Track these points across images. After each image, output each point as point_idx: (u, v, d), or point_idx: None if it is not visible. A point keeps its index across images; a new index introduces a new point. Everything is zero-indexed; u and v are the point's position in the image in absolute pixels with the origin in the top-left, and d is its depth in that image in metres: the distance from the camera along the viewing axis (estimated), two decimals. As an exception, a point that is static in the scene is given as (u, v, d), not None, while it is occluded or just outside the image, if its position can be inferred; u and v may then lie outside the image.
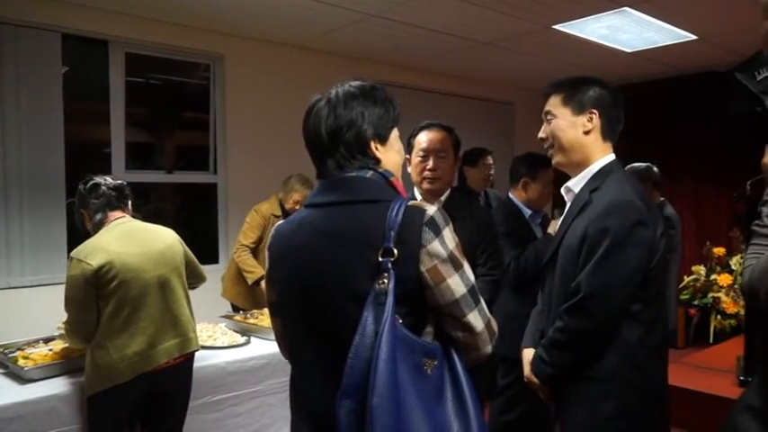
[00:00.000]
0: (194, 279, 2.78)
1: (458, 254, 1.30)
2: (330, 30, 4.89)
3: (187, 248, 2.72)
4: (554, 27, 4.82)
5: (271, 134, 5.23)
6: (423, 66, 6.12)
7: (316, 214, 1.36)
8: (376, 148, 1.39)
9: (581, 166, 1.90)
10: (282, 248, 1.40)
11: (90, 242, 2.43)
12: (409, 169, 2.51)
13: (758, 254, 1.29)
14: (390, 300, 1.19)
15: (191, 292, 2.71)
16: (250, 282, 4.04)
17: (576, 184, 1.91)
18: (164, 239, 2.59)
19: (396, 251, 1.22)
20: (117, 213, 2.55)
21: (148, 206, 5.19)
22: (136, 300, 2.40)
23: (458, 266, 1.29)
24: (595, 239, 1.73)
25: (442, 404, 1.24)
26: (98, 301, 2.35)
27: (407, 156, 2.51)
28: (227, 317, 3.60)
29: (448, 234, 1.29)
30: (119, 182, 2.61)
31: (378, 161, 1.38)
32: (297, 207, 4.05)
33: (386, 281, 1.21)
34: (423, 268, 1.25)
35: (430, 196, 2.48)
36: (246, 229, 4.16)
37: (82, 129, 4.70)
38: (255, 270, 4.01)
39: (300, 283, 1.34)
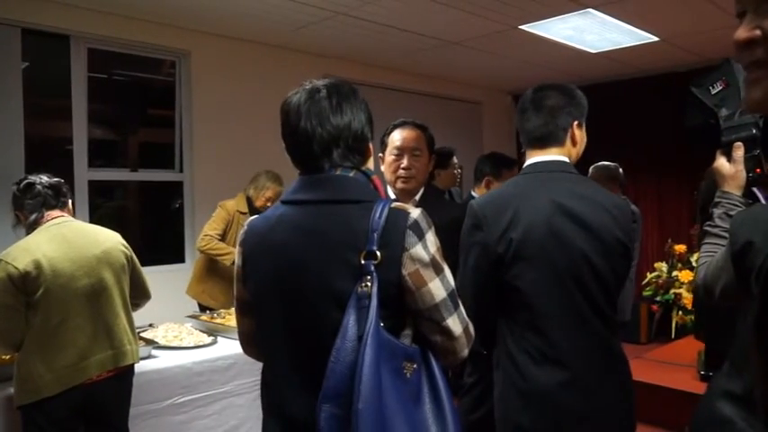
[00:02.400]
0: (137, 295, 2.60)
1: (439, 258, 1.29)
2: (298, 27, 4.86)
3: (135, 258, 2.57)
4: (520, 27, 4.87)
5: (237, 132, 5.17)
6: (391, 64, 6.12)
7: (296, 211, 1.33)
8: (369, 148, 1.40)
9: None
10: (258, 245, 1.36)
11: (20, 244, 2.29)
12: (382, 167, 2.49)
13: (711, 253, 1.34)
14: (374, 303, 1.18)
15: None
16: (228, 263, 3.93)
17: None
18: (101, 243, 2.42)
19: (379, 254, 1.21)
20: (54, 213, 2.41)
21: (112, 205, 5.10)
22: (66, 309, 2.26)
23: (439, 271, 1.28)
24: None
25: (420, 407, 1.24)
26: (26, 308, 2.22)
27: (380, 154, 2.50)
28: (194, 317, 3.56)
29: (430, 238, 1.28)
30: (55, 180, 2.47)
31: (367, 161, 1.39)
32: (269, 204, 4.03)
33: (369, 284, 1.19)
34: (404, 272, 1.24)
35: (404, 196, 2.43)
36: (212, 221, 4.13)
37: (43, 125, 4.59)
38: (229, 250, 3.94)
39: (279, 282, 1.30)
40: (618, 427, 1.84)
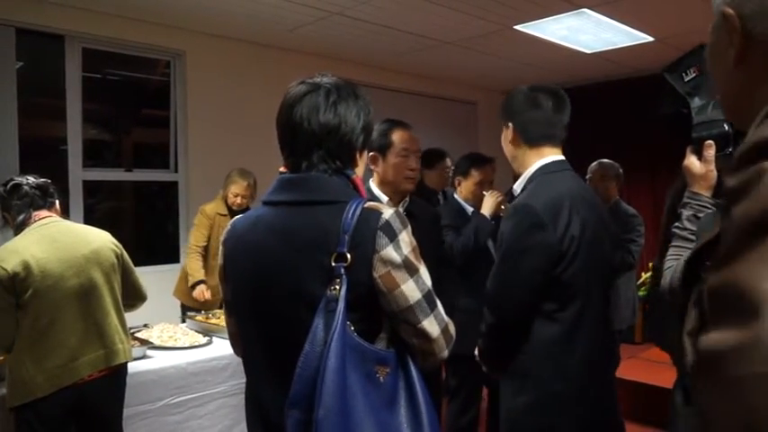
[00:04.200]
0: (131, 296, 2.59)
1: (413, 258, 1.25)
2: (293, 27, 4.85)
3: (126, 258, 2.56)
4: (515, 27, 4.88)
5: (232, 132, 5.16)
6: (386, 64, 6.12)
7: (272, 213, 1.31)
8: (359, 157, 1.37)
9: (522, 172, 1.96)
10: (237, 245, 1.35)
11: (7, 245, 2.29)
12: (373, 167, 2.45)
13: (678, 255, 1.33)
14: (341, 307, 1.15)
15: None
16: (189, 284, 3.98)
17: (517, 186, 1.96)
18: (91, 243, 2.42)
19: (349, 256, 1.18)
20: (42, 213, 2.41)
21: (107, 205, 5.08)
22: (55, 309, 2.26)
23: (413, 272, 1.24)
24: (499, 241, 1.83)
25: (395, 411, 1.21)
26: (16, 309, 2.22)
27: (374, 153, 2.42)
28: (188, 317, 3.55)
29: (405, 238, 1.24)
30: (42, 180, 2.48)
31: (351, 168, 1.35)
32: (237, 200, 3.99)
33: (338, 287, 1.16)
34: (375, 274, 1.21)
35: (401, 196, 2.42)
36: (194, 230, 4.11)
37: (37, 125, 4.58)
38: (195, 274, 3.96)
39: (253, 283, 1.29)
40: (615, 422, 1.93)
